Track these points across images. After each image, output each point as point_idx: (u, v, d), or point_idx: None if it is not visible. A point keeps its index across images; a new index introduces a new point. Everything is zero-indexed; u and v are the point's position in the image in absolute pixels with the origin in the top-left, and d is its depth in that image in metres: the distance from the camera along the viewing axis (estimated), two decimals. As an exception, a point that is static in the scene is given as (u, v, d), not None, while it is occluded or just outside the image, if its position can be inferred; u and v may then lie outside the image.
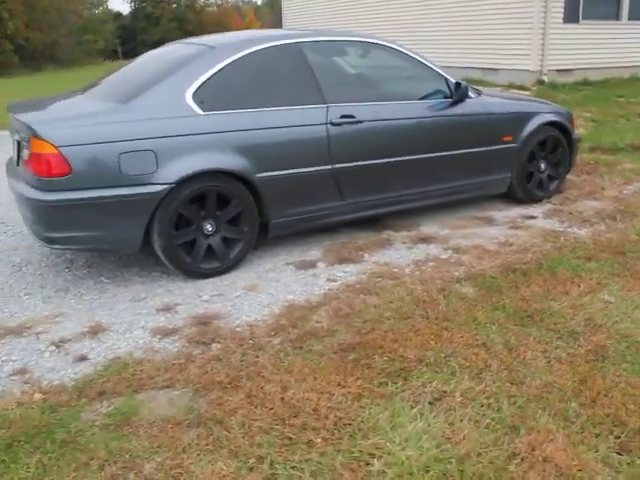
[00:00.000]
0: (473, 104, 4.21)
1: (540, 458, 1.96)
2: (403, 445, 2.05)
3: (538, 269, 3.38)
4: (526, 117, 4.50)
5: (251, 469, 1.96)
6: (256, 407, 2.26)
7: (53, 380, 2.57)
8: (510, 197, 4.70)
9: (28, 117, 3.35)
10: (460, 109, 4.14)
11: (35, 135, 3.13)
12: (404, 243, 4.00)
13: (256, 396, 2.33)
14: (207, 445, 2.07)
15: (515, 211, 4.56)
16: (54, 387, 2.50)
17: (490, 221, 4.39)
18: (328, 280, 3.47)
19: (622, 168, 5.51)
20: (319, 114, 3.65)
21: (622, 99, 8.82)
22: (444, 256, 3.74)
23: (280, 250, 3.92)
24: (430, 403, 2.27)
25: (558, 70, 9.68)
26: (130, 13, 46.32)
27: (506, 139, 4.39)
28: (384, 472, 1.93)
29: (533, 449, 2.01)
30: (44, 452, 2.07)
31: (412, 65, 4.11)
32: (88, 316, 3.15)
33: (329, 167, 3.71)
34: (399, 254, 3.81)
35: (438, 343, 2.66)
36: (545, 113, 4.60)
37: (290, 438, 2.09)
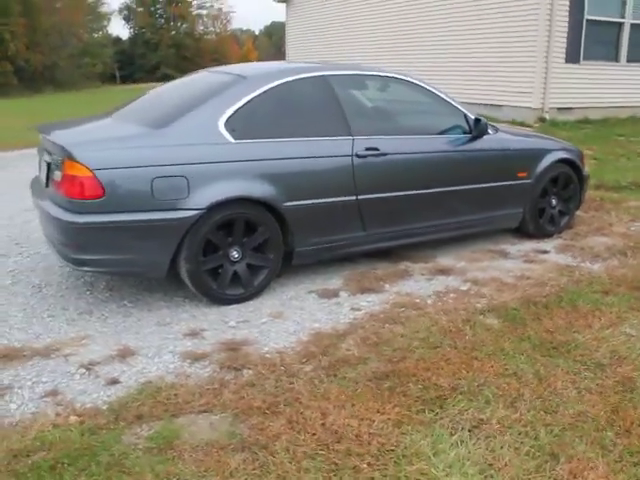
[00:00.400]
0: (490, 140, 4.32)
1: (583, 486, 2.00)
2: (447, 471, 2.08)
3: (558, 302, 3.45)
4: (540, 154, 4.62)
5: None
6: (298, 433, 2.28)
7: (86, 403, 2.57)
8: (521, 232, 4.79)
9: (62, 139, 3.41)
10: (479, 145, 4.26)
11: (70, 157, 3.18)
12: (423, 274, 4.06)
13: (297, 422, 2.35)
14: (254, 470, 2.09)
15: (528, 245, 4.65)
16: (89, 410, 2.50)
17: (504, 254, 4.47)
18: (352, 309, 3.51)
19: (627, 205, 5.65)
20: (345, 146, 3.74)
21: (622, 138, 9.05)
22: (464, 288, 3.80)
23: (302, 278, 3.96)
24: (469, 430, 2.30)
25: (559, 108, 9.94)
26: (129, 38, 47.08)
27: (521, 175, 4.50)
28: (432, 498, 1.96)
29: (575, 476, 2.04)
30: (89, 475, 2.07)
31: (432, 100, 4.24)
32: (115, 339, 3.16)
33: (354, 198, 3.78)
34: (419, 285, 3.87)
35: (470, 372, 2.71)
36: (557, 150, 4.73)
37: (336, 464, 2.11)
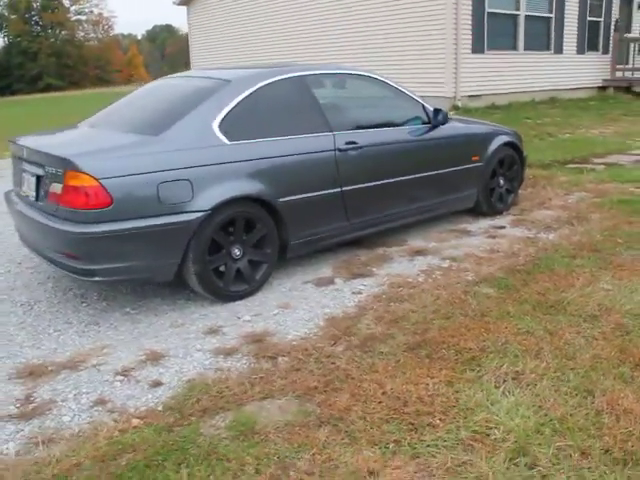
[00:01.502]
0: (447, 128, 4.68)
1: (622, 410, 2.34)
2: (508, 416, 2.34)
3: (537, 268, 3.85)
4: (488, 139, 5.06)
5: (394, 452, 2.17)
6: (365, 403, 2.46)
7: (139, 406, 2.60)
8: (475, 211, 5.21)
9: (59, 150, 3.34)
10: (438, 133, 4.61)
11: (73, 168, 3.14)
12: (402, 256, 4.34)
13: (359, 394, 2.52)
14: (343, 439, 2.24)
15: (484, 223, 5.07)
16: (145, 412, 2.53)
17: (467, 232, 4.85)
18: (353, 293, 3.72)
19: (559, 181, 6.28)
20: (328, 141, 3.94)
21: (530, 121, 9.89)
22: (445, 265, 4.12)
23: (293, 271, 4.11)
24: (511, 381, 2.59)
25: (470, 96, 10.71)
26: (3, 47, 44.00)
27: (474, 159, 4.91)
28: (506, 438, 2.22)
29: (612, 406, 2.38)
30: (189, 466, 2.13)
31: (395, 94, 4.53)
32: (136, 345, 3.16)
33: (338, 190, 3.99)
34: (403, 266, 4.14)
35: (489, 334, 3.00)
36: (502, 134, 5.19)
37: (412, 423, 2.32)
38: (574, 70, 12.59)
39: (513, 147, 5.28)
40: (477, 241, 4.62)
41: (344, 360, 2.84)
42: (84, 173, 3.12)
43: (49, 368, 2.95)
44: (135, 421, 2.47)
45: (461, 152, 4.82)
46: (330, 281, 3.93)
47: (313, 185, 3.87)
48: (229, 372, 2.83)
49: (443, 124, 4.54)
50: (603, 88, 13.49)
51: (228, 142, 3.54)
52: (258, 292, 3.76)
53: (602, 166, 7.00)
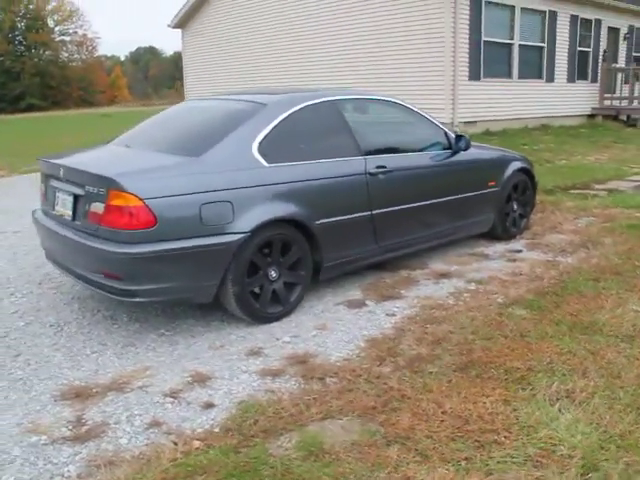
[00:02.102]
0: (466, 154, 4.78)
1: (680, 427, 2.41)
2: (569, 433, 2.38)
3: (565, 291, 3.94)
4: (504, 164, 5.19)
5: (467, 469, 2.19)
6: (427, 422, 2.48)
7: (195, 428, 2.58)
8: (490, 235, 5.30)
9: (102, 170, 3.34)
10: (459, 158, 4.71)
11: (118, 188, 3.15)
12: (427, 279, 4.39)
13: (420, 414, 2.55)
14: (415, 458, 2.26)
15: (499, 247, 5.16)
16: (204, 434, 2.52)
17: (485, 256, 4.94)
18: (387, 315, 3.75)
19: (565, 206, 6.43)
20: (360, 165, 4.01)
21: (527, 147, 10.12)
22: (472, 287, 4.19)
23: (323, 293, 4.13)
24: (564, 399, 2.64)
25: (465, 122, 10.93)
26: (-15, 67, 43.66)
27: (491, 184, 5.02)
28: (572, 455, 2.26)
29: (668, 423, 2.44)
30: (267, 487, 2.13)
31: (418, 119, 4.64)
32: (179, 367, 3.15)
33: (369, 213, 4.05)
34: (431, 289, 4.19)
35: (533, 354, 3.06)
36: (516, 160, 5.32)
37: (478, 441, 2.35)
38: (565, 98, 12.96)
39: (526, 173, 5.41)
40: (497, 265, 4.70)
41: (395, 380, 2.87)
42: (129, 193, 3.13)
43: (94, 390, 2.93)
44: (196, 443, 2.46)
45: (480, 177, 4.93)
46: (361, 303, 3.96)
47: (346, 208, 3.92)
48: (280, 393, 2.83)
49: (465, 150, 4.65)
50: (592, 116, 13.90)
51: (267, 164, 3.58)
52: (292, 314, 3.78)
53: (604, 192, 7.18)
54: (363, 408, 2.63)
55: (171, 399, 2.83)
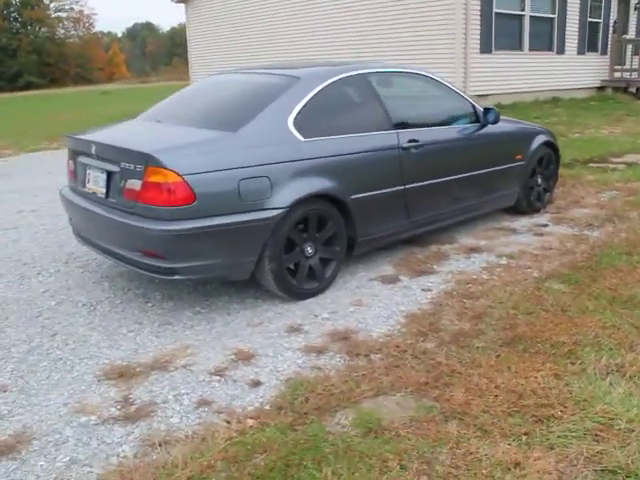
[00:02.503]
0: (494, 127, 4.71)
1: None
2: (624, 407, 2.37)
3: (599, 265, 3.90)
4: (529, 138, 5.12)
5: (528, 444, 2.18)
6: (481, 397, 2.47)
7: (246, 406, 2.56)
8: (515, 209, 5.25)
9: (139, 145, 3.28)
10: (488, 132, 4.64)
11: (155, 164, 3.09)
12: (458, 254, 4.36)
13: (473, 389, 2.53)
14: (475, 433, 2.25)
15: (525, 221, 5.12)
16: (256, 412, 2.50)
17: (512, 230, 4.90)
18: (422, 290, 3.73)
19: (586, 180, 6.37)
20: (392, 139, 3.94)
21: (539, 120, 10.01)
22: (503, 262, 4.15)
23: (355, 269, 4.10)
24: (615, 373, 2.62)
25: (478, 95, 10.81)
26: (-18, 44, 43.01)
27: (518, 157, 4.96)
28: (631, 428, 2.25)
29: None
30: (331, 464, 2.11)
31: (447, 93, 4.56)
32: (220, 345, 3.12)
33: (402, 187, 3.99)
34: (462, 263, 4.16)
35: (578, 328, 3.04)
36: (541, 134, 5.25)
37: (535, 415, 2.34)
38: (575, 70, 12.81)
39: (550, 146, 5.34)
40: (526, 239, 4.66)
41: (442, 355, 2.85)
42: (167, 169, 3.07)
43: (137, 369, 2.91)
44: (250, 421, 2.44)
45: (507, 151, 4.87)
46: (395, 279, 3.93)
47: (380, 183, 3.87)
48: (327, 370, 2.81)
49: (494, 123, 4.57)
50: (602, 88, 13.75)
51: (302, 139, 3.52)
52: (327, 290, 3.75)
53: (623, 165, 7.12)
54: (415, 384, 2.61)
55: (217, 377, 2.81)
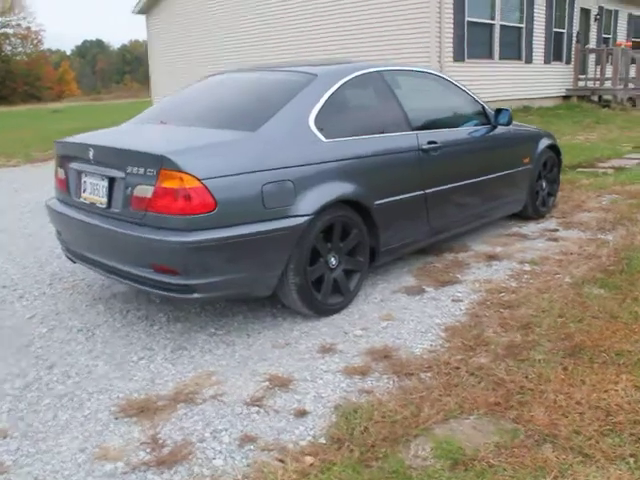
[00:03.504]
0: (503, 129, 4.53)
1: None
2: None
3: (631, 269, 3.72)
4: (535, 140, 4.97)
5: (638, 468, 1.92)
6: (566, 416, 2.21)
7: (296, 440, 2.23)
8: (521, 215, 5.07)
9: (150, 147, 2.91)
10: (497, 134, 4.45)
11: (172, 167, 2.73)
12: (477, 262, 4.12)
13: (553, 407, 2.27)
14: (576, 457, 1.98)
15: (534, 227, 4.94)
16: (311, 447, 2.17)
17: (524, 236, 4.71)
18: (453, 301, 3.46)
19: (582, 184, 6.29)
20: (412, 140, 3.69)
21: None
22: (527, 268, 3.94)
23: (374, 280, 3.81)
24: (699, 384, 2.41)
25: (452, 104, 10.76)
26: None
27: (525, 161, 4.80)
28: None
29: None
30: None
31: (458, 93, 4.35)
32: (248, 370, 2.77)
33: (422, 192, 3.74)
34: (485, 272, 3.92)
35: (637, 335, 2.83)
36: (545, 137, 5.11)
37: (633, 434, 2.10)
38: (543, 79, 12.96)
39: (553, 149, 5.21)
40: (541, 244, 4.47)
41: (502, 371, 2.58)
42: (185, 172, 2.71)
43: (159, 403, 2.53)
44: (308, 459, 2.11)
45: (517, 153, 4.70)
46: (420, 290, 3.66)
47: (402, 187, 3.61)
48: (378, 394, 2.50)
49: (507, 125, 4.39)
50: (567, 97, 13.98)
51: (325, 139, 3.22)
52: (351, 305, 3.45)
53: (611, 170, 7.09)
54: (485, 404, 2.33)
55: (256, 408, 2.46)
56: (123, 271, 3.04)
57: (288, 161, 3.02)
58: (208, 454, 2.18)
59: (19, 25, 43.72)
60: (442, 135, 3.92)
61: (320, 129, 3.23)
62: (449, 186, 3.97)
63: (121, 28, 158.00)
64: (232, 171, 2.84)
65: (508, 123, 4.36)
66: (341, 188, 3.22)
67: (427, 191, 3.77)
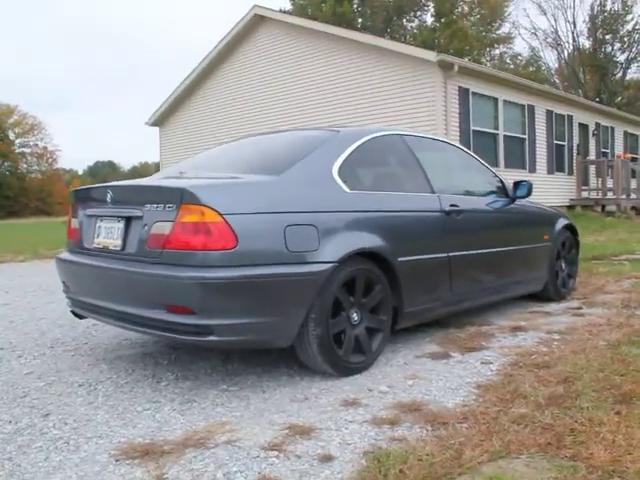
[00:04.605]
0: (521, 204, 4.52)
1: None
2: None
3: (668, 334, 3.53)
4: (553, 219, 4.93)
5: None
6: (630, 453, 1.95)
7: (320, 483, 1.96)
8: (541, 295, 4.90)
9: (171, 183, 2.85)
10: (518, 207, 4.43)
11: (193, 201, 2.65)
12: (502, 333, 3.91)
13: (612, 446, 2.01)
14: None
15: (555, 306, 4.75)
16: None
17: (547, 313, 4.51)
18: (482, 363, 3.23)
19: (599, 271, 6.19)
20: (435, 202, 3.65)
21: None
22: (557, 337, 3.72)
23: (393, 347, 3.58)
24: None
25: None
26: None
27: (545, 237, 4.73)
28: None
29: None
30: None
31: (477, 165, 4.40)
32: (265, 420, 2.51)
33: (445, 255, 3.63)
34: (512, 341, 3.70)
35: (692, 389, 2.59)
36: (562, 217, 5.08)
37: None
38: (547, 189, 13.25)
39: (570, 230, 5.17)
40: (567, 319, 4.28)
41: (549, 417, 2.33)
42: (206, 206, 2.63)
43: (165, 447, 2.26)
44: (337, 499, 1.83)
45: (536, 229, 4.66)
46: (446, 355, 3.42)
47: (426, 247, 3.51)
48: (412, 441, 2.23)
49: (526, 197, 4.37)
50: (571, 207, 14.24)
51: (348, 190, 3.17)
52: (372, 367, 3.21)
53: (625, 261, 7.02)
54: (535, 445, 2.07)
55: (274, 452, 2.19)
56: (134, 316, 2.86)
57: (312, 206, 2.95)
58: (224, 498, 1.91)
59: (36, 145, 46.07)
60: (463, 201, 3.88)
61: (344, 180, 3.19)
62: (472, 252, 3.87)
63: (133, 151, 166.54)
64: (254, 209, 2.76)
65: (527, 195, 4.35)
66: (365, 239, 3.12)
67: (450, 254, 3.66)
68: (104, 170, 75.72)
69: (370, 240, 3.14)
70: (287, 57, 13.75)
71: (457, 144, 4.39)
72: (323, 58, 12.93)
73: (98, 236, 3.15)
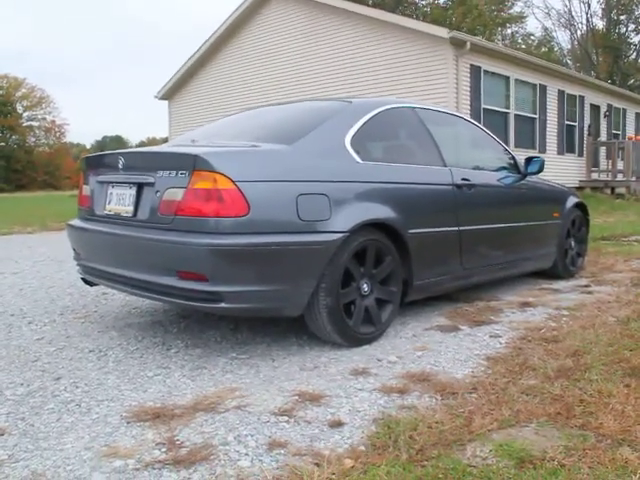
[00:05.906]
0: (532, 180, 4.48)
1: None
2: None
3: (679, 311, 3.51)
4: (564, 197, 4.89)
5: None
6: (639, 424, 1.95)
7: (331, 447, 1.97)
8: (550, 272, 4.88)
9: (184, 149, 2.83)
10: (529, 183, 4.39)
11: (206, 167, 2.63)
12: (511, 308, 3.91)
13: (623, 416, 2.02)
14: (661, 461, 1.71)
15: (563, 283, 4.74)
16: (350, 453, 1.91)
17: (556, 290, 4.50)
18: (491, 337, 3.23)
19: (608, 251, 6.16)
20: (447, 175, 3.62)
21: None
22: (565, 313, 3.72)
23: (403, 320, 3.59)
24: None
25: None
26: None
27: (555, 215, 4.69)
28: None
29: None
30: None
31: (489, 140, 4.35)
32: (275, 387, 2.52)
33: (456, 229, 3.61)
34: (520, 316, 3.70)
35: (703, 364, 2.58)
36: (572, 195, 5.04)
37: None
38: (557, 170, 13.11)
39: (581, 208, 5.13)
40: (575, 296, 4.26)
41: (558, 389, 2.33)
42: (219, 173, 2.62)
43: (175, 411, 2.28)
44: (348, 461, 1.84)
45: (547, 206, 4.62)
46: (455, 328, 3.43)
47: (436, 220, 3.49)
48: (421, 409, 2.24)
49: (537, 173, 4.33)
50: (581, 188, 14.12)
51: (360, 161, 3.15)
52: (381, 338, 3.22)
53: (635, 242, 6.98)
54: (545, 415, 2.08)
55: (285, 418, 2.21)
56: (145, 282, 2.87)
57: (324, 175, 2.93)
58: (232, 456, 1.92)
59: (44, 119, 45.95)
60: (475, 175, 3.85)
61: (356, 151, 3.16)
62: (483, 227, 3.85)
63: (140, 127, 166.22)
64: (267, 177, 2.74)
65: (539, 171, 4.30)
66: (376, 210, 3.10)
67: (461, 228, 3.64)
68: (112, 145, 75.52)
69: (381, 211, 3.13)
70: (297, 32, 13.59)
71: (470, 119, 4.34)
72: (334, 33, 12.78)
73: (110, 203, 3.15)
